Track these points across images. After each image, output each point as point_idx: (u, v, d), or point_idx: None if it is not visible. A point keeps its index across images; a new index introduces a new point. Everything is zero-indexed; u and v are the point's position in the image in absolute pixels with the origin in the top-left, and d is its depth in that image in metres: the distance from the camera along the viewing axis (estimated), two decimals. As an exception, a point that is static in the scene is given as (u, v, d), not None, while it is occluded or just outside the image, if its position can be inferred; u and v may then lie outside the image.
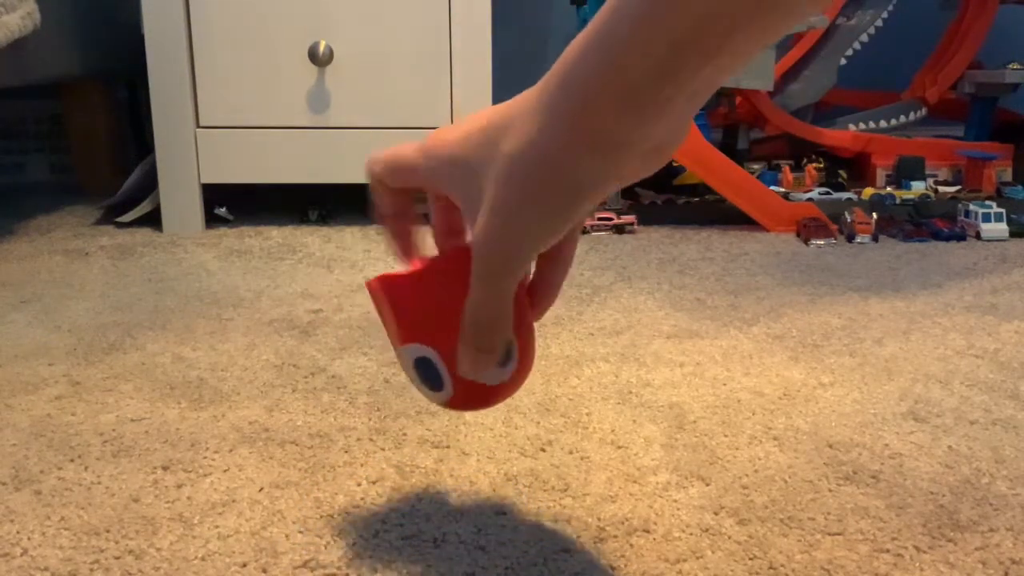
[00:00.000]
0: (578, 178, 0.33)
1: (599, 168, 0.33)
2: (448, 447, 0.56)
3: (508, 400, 0.63)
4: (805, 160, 1.49)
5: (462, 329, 0.38)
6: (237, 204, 1.32)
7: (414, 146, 0.40)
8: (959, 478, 0.52)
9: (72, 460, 0.54)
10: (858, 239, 1.19)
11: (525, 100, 0.34)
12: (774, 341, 0.77)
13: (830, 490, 0.51)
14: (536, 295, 0.42)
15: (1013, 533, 0.46)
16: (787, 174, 1.41)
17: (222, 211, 1.28)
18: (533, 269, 0.42)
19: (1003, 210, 1.22)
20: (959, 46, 1.54)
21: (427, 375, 0.41)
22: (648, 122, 0.32)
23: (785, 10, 0.29)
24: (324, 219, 1.31)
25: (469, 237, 0.37)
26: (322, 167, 1.24)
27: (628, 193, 1.36)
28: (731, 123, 1.59)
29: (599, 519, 0.48)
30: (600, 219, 1.24)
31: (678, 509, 0.49)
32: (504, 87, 1.85)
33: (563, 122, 0.32)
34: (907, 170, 1.41)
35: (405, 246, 0.45)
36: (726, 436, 0.58)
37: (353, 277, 0.99)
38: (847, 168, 1.50)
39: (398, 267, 0.43)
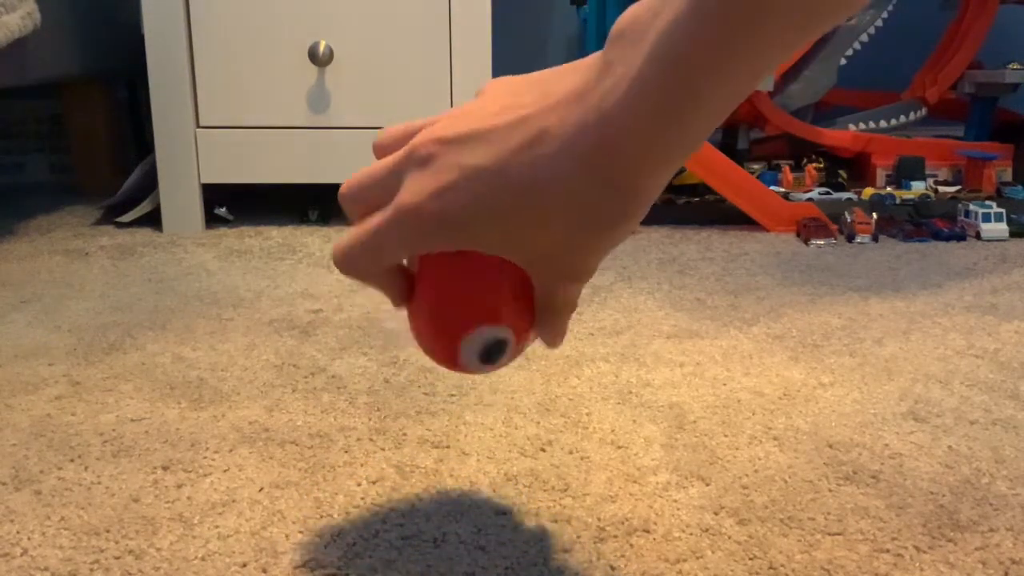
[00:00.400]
0: (636, 168, 0.31)
1: (654, 180, 0.32)
2: (448, 447, 0.56)
3: (508, 401, 0.63)
4: (805, 160, 1.49)
5: (350, 237, 0.37)
6: (237, 204, 1.32)
7: (396, 164, 0.37)
8: (959, 478, 0.52)
9: (72, 460, 0.54)
10: (858, 239, 1.19)
11: (573, 67, 0.32)
12: (774, 341, 0.77)
13: (830, 490, 0.51)
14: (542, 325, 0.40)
15: (1013, 533, 0.46)
16: (787, 174, 1.41)
17: (222, 211, 1.28)
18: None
19: (1003, 210, 1.22)
20: (959, 46, 1.54)
21: (494, 354, 0.39)
22: (701, 122, 0.30)
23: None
24: (324, 219, 1.31)
25: None
26: (322, 167, 1.24)
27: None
28: (731, 123, 1.59)
29: (599, 519, 0.48)
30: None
31: (678, 509, 0.49)
32: (504, 87, 1.85)
33: (624, 103, 0.30)
34: (907, 170, 1.41)
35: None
36: (726, 436, 0.58)
37: (353, 277, 0.99)
38: (847, 168, 1.50)
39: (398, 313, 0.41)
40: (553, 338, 0.39)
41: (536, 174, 0.31)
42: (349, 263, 0.37)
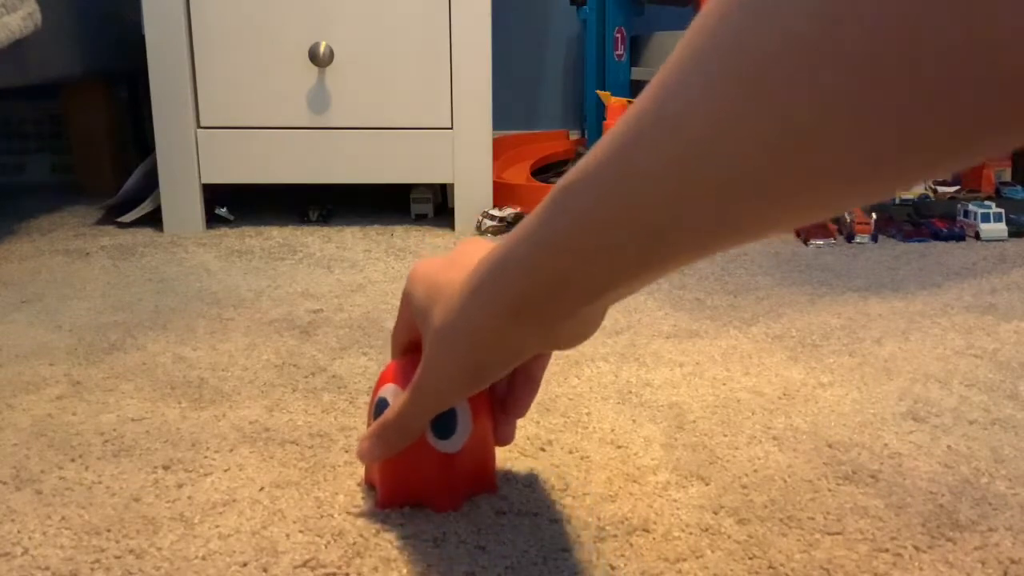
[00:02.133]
0: (480, 361, 0.41)
1: (499, 357, 0.41)
2: (448, 447, 0.56)
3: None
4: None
5: (380, 420, 0.47)
6: (237, 204, 1.32)
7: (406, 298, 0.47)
8: (958, 478, 0.52)
9: (73, 460, 0.54)
10: (857, 239, 1.19)
11: (465, 277, 0.40)
12: (773, 341, 0.77)
13: (829, 490, 0.51)
14: (507, 408, 0.49)
15: (1012, 533, 0.46)
16: (787, 174, 1.41)
17: (223, 211, 1.28)
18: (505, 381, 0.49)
19: (1002, 210, 1.22)
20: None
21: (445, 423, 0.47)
22: (539, 332, 0.39)
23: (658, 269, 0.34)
24: (324, 219, 1.31)
25: None
26: (322, 167, 1.24)
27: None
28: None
29: (599, 518, 0.48)
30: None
31: (678, 509, 0.49)
32: (504, 87, 1.86)
33: (472, 316, 0.39)
34: (907, 170, 1.41)
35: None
36: (726, 436, 0.58)
37: (353, 277, 0.99)
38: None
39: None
40: (527, 405, 0.50)
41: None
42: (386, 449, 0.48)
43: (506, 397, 0.49)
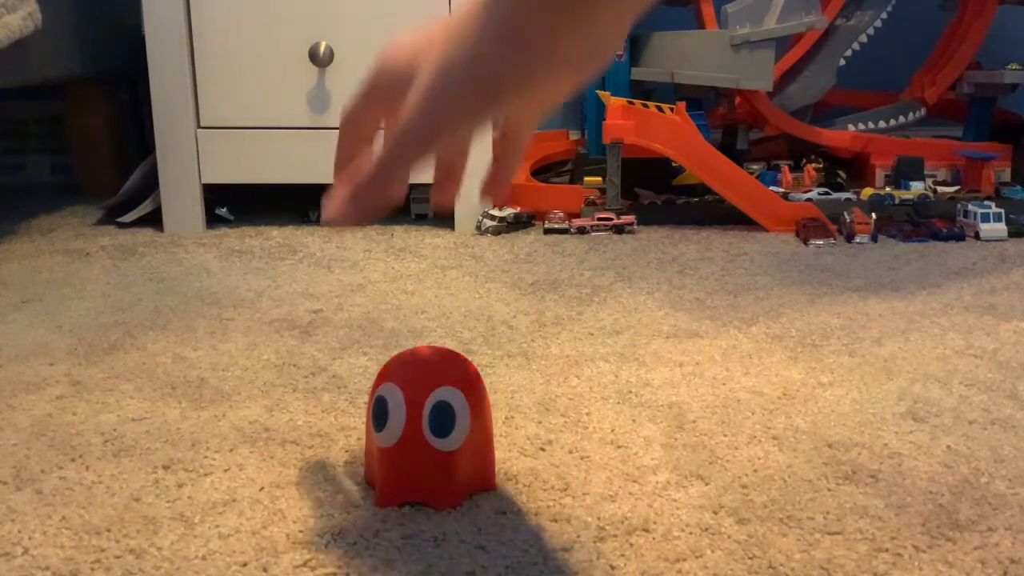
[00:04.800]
0: (501, 70, 0.36)
1: (522, 64, 0.36)
2: (448, 447, 0.56)
3: (509, 399, 0.63)
4: (804, 160, 1.49)
5: (358, 172, 0.42)
6: (238, 204, 1.32)
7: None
8: (958, 478, 0.52)
9: (73, 460, 0.54)
10: (857, 239, 1.19)
11: (465, 7, 0.38)
12: (773, 341, 0.77)
13: (829, 489, 0.51)
14: (495, 174, 0.46)
15: (1012, 532, 0.46)
16: (786, 174, 1.41)
17: (223, 211, 1.28)
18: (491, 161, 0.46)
19: (1002, 210, 1.22)
20: (958, 46, 1.54)
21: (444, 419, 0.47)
22: (574, 26, 0.35)
23: None
24: (324, 219, 1.31)
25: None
26: (322, 167, 1.24)
27: (628, 193, 1.36)
28: (730, 123, 1.59)
29: (599, 518, 0.48)
30: (600, 219, 1.24)
31: (678, 508, 0.49)
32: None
33: (490, 17, 0.36)
34: (906, 170, 1.41)
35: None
36: (725, 436, 0.58)
37: (353, 277, 0.99)
38: (846, 168, 1.50)
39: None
40: (509, 178, 0.46)
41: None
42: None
43: (493, 158, 0.46)
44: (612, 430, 0.59)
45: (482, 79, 0.37)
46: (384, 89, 0.43)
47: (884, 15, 1.52)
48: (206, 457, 0.55)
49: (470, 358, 0.72)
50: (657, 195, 1.38)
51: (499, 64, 0.36)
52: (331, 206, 0.43)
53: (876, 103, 1.60)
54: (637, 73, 1.59)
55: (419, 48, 0.40)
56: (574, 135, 1.80)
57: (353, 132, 0.45)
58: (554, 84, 0.38)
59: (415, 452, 0.47)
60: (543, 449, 0.56)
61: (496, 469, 0.52)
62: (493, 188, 0.46)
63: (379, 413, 0.47)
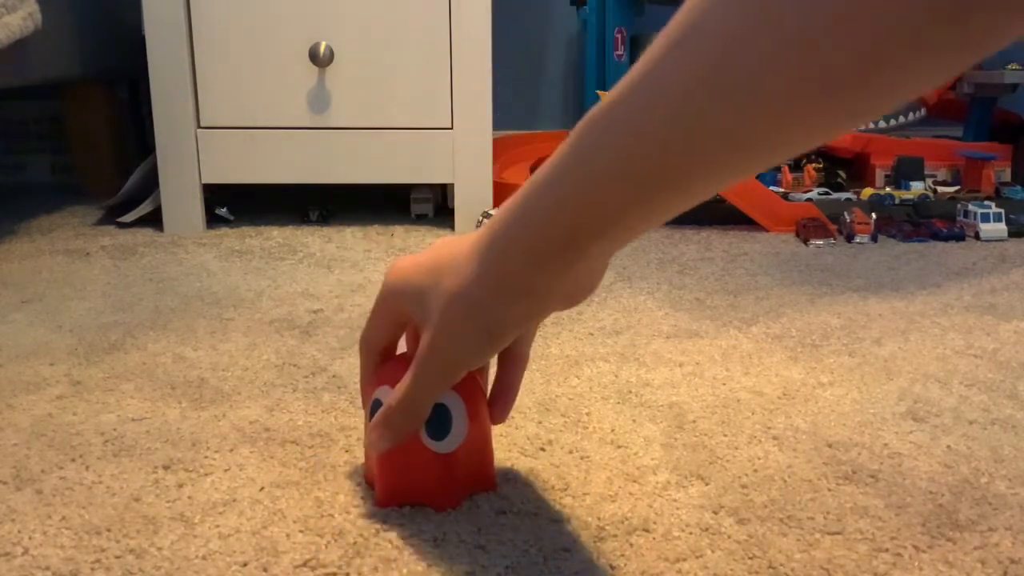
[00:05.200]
0: (500, 318, 0.41)
1: (519, 311, 0.41)
2: (448, 447, 0.56)
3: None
4: (804, 160, 1.49)
5: (384, 407, 0.46)
6: (238, 204, 1.32)
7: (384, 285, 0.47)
8: (958, 478, 0.52)
9: (73, 460, 0.54)
10: (857, 239, 1.19)
11: (468, 244, 0.42)
12: (773, 341, 0.77)
13: (829, 489, 0.51)
14: (496, 395, 0.50)
15: (1012, 532, 0.46)
16: (786, 174, 1.41)
17: (223, 211, 1.28)
18: (493, 370, 0.50)
19: (1002, 210, 1.22)
20: (959, 46, 1.54)
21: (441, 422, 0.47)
22: (558, 277, 0.39)
23: (663, 209, 0.36)
24: (324, 219, 1.31)
25: None
26: (322, 167, 1.24)
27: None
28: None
29: (599, 518, 0.48)
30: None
31: (678, 508, 0.49)
32: (504, 87, 1.86)
33: (488, 272, 0.40)
34: (906, 170, 1.41)
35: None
36: (725, 436, 0.58)
37: (353, 277, 0.99)
38: (846, 168, 1.50)
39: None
40: (518, 382, 0.51)
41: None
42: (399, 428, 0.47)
43: (496, 380, 0.50)
44: (612, 430, 0.59)
45: (488, 316, 0.41)
46: (393, 310, 0.47)
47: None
48: (206, 457, 0.55)
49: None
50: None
51: (502, 300, 0.41)
52: (369, 435, 0.48)
53: (876, 103, 1.60)
54: (637, 73, 1.59)
55: (423, 280, 0.44)
56: (574, 135, 1.79)
57: (372, 349, 0.49)
58: (548, 313, 0.43)
59: (413, 454, 0.47)
60: (543, 449, 0.56)
61: (496, 469, 0.52)
62: (499, 409, 0.50)
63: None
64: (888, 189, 1.39)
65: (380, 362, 0.49)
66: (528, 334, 0.49)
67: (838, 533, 0.46)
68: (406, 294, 0.45)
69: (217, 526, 0.47)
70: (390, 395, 0.46)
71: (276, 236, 1.20)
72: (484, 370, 0.52)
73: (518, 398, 0.64)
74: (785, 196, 1.33)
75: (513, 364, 0.50)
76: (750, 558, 0.44)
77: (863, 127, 1.54)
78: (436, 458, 0.47)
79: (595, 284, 0.43)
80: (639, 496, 0.50)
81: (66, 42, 1.30)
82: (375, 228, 1.26)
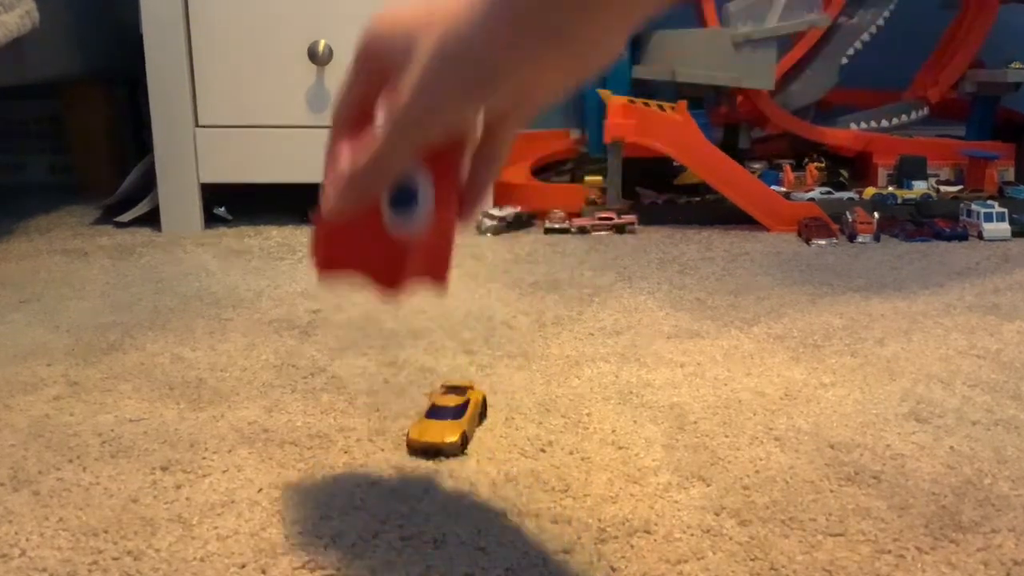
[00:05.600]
0: (497, 57, 0.35)
1: (520, 55, 0.35)
2: (448, 447, 0.56)
3: (509, 400, 0.63)
4: (806, 159, 1.48)
5: (350, 165, 0.40)
6: (236, 204, 1.32)
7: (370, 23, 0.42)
8: (961, 479, 0.52)
9: (71, 461, 0.54)
10: (859, 239, 1.18)
11: None
12: (775, 341, 0.77)
13: (831, 491, 0.51)
14: (467, 192, 0.44)
15: (1015, 534, 0.46)
16: (788, 173, 1.41)
17: (221, 211, 1.28)
18: (467, 168, 0.44)
19: (1005, 210, 1.22)
20: (960, 45, 1.54)
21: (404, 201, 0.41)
22: (575, 20, 0.33)
23: None
24: (324, 219, 1.31)
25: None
26: (322, 167, 1.23)
27: (628, 193, 1.36)
28: (732, 122, 1.59)
29: (600, 520, 0.47)
30: (600, 219, 1.24)
31: (679, 510, 0.48)
32: (504, 86, 1.84)
33: (495, 5, 0.34)
34: (909, 169, 1.41)
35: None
36: (727, 436, 0.58)
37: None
38: (848, 167, 1.50)
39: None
40: (486, 188, 0.44)
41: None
42: (362, 183, 0.41)
43: (468, 177, 0.45)
44: (613, 431, 0.59)
45: (484, 57, 0.35)
46: (375, 68, 0.41)
47: (886, 14, 1.52)
48: (204, 458, 0.54)
49: (470, 358, 0.72)
50: (658, 194, 1.38)
51: (503, 41, 0.35)
52: (325, 199, 0.41)
53: (879, 102, 1.60)
54: (638, 71, 1.59)
55: (412, 25, 0.38)
56: (574, 134, 1.79)
57: (345, 118, 0.43)
58: (553, 72, 0.37)
59: (366, 225, 0.41)
60: (543, 450, 0.56)
61: (496, 470, 0.52)
62: (467, 206, 0.45)
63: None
64: (891, 188, 1.38)
65: (352, 134, 0.42)
66: (506, 132, 0.44)
67: (840, 534, 0.46)
68: (393, 37, 0.39)
69: (215, 527, 0.46)
70: (356, 151, 0.40)
71: (275, 236, 1.20)
72: (460, 163, 0.44)
73: (519, 400, 0.64)
74: (787, 195, 1.32)
75: (486, 163, 0.44)
76: (752, 560, 0.44)
77: (865, 126, 1.54)
78: (390, 236, 0.41)
79: (613, 46, 0.36)
80: (640, 497, 0.50)
81: (64, 41, 1.29)
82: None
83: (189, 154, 1.21)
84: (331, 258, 0.43)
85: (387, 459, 0.54)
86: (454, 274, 1.03)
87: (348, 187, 0.40)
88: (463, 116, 0.39)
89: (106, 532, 0.46)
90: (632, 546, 0.45)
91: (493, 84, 0.36)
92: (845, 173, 1.46)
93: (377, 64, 0.40)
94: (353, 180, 0.40)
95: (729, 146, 1.55)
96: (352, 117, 0.42)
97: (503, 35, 0.35)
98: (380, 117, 0.39)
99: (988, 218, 1.21)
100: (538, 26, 0.34)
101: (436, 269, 0.44)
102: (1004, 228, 1.20)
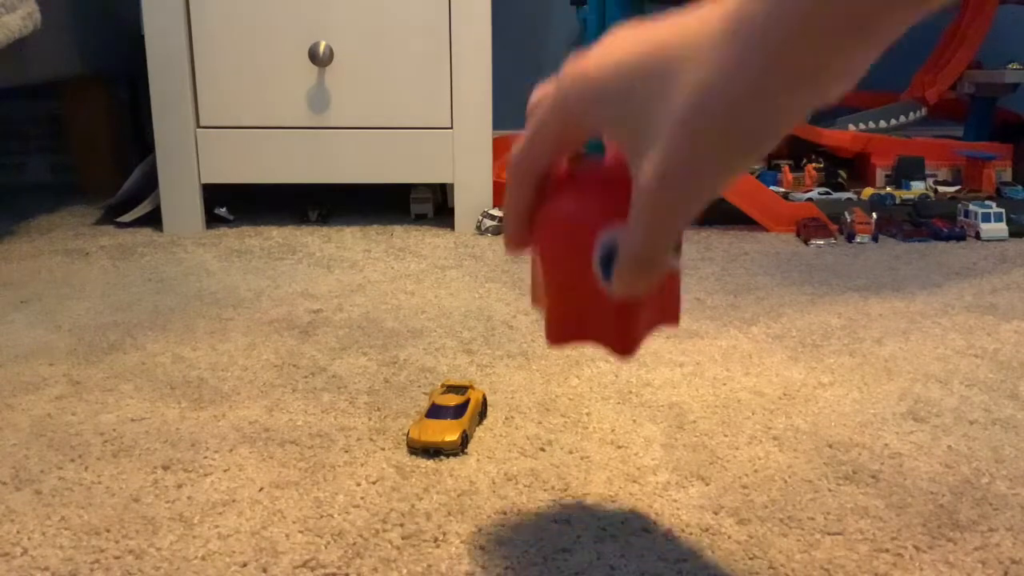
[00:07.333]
0: (773, 112, 0.30)
1: (797, 105, 0.30)
2: (448, 447, 0.56)
3: (509, 399, 0.63)
4: (805, 160, 1.48)
5: (618, 262, 0.35)
6: (237, 204, 1.32)
7: (549, 100, 0.35)
8: (959, 478, 0.52)
9: (72, 460, 0.54)
10: (858, 239, 1.19)
11: (704, 26, 0.30)
12: (774, 341, 0.77)
13: (830, 490, 0.51)
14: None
15: (1012, 533, 0.46)
16: (787, 174, 1.41)
17: (222, 211, 1.28)
18: None
19: (1003, 210, 1.22)
20: (958, 46, 1.54)
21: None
22: (848, 57, 0.29)
23: None
24: (324, 219, 1.31)
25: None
26: (322, 167, 1.24)
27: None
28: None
29: (599, 519, 0.48)
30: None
31: (678, 509, 0.49)
32: (504, 87, 1.86)
33: (767, 55, 0.29)
34: (907, 170, 1.41)
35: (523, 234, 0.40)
36: (726, 436, 0.58)
37: (353, 277, 0.99)
38: (847, 168, 1.50)
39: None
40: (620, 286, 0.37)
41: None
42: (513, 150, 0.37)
43: None
44: (612, 430, 0.59)
45: (752, 124, 0.30)
46: (571, 125, 0.35)
47: (884, 14, 1.51)
48: (205, 457, 0.55)
49: (470, 358, 0.72)
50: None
51: (773, 101, 0.30)
52: (619, 282, 0.36)
53: (877, 103, 1.60)
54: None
55: (628, 78, 0.32)
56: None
57: (532, 172, 0.38)
58: (820, 102, 0.32)
59: (587, 295, 0.38)
60: (543, 449, 0.56)
61: (496, 469, 0.52)
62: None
63: (611, 265, 0.37)
64: (889, 189, 1.39)
65: (540, 188, 0.38)
66: None
67: (839, 533, 0.46)
68: (602, 102, 0.33)
69: (216, 526, 0.47)
70: (618, 247, 0.35)
71: (275, 236, 1.20)
72: None
73: (518, 399, 0.64)
74: (786, 196, 1.33)
75: None
76: (750, 559, 0.44)
77: (863, 127, 1.54)
78: (619, 300, 0.37)
79: (851, 84, 0.31)
80: (639, 496, 0.50)
81: (65, 42, 1.30)
82: (374, 228, 1.26)
83: (190, 154, 1.22)
84: (566, 334, 0.40)
85: (387, 458, 0.54)
86: (454, 274, 1.04)
87: (631, 281, 0.35)
88: (733, 180, 0.33)
89: (108, 531, 0.46)
90: (631, 545, 0.45)
91: (770, 138, 0.31)
92: (843, 174, 1.47)
93: (578, 120, 0.35)
94: (632, 274, 0.35)
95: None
96: (538, 174, 0.38)
97: (774, 84, 0.29)
98: (631, 207, 0.33)
99: (986, 218, 1.21)
100: (811, 69, 0.29)
101: (669, 313, 0.41)
102: (1001, 228, 1.21)
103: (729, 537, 0.46)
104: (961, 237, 1.20)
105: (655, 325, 0.40)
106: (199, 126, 1.22)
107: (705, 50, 0.30)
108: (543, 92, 0.37)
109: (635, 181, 0.33)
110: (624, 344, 0.39)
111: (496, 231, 1.22)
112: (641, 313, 0.39)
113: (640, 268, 0.35)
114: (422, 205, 1.35)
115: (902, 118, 1.57)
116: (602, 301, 0.37)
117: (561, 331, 0.40)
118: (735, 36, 0.29)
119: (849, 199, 1.34)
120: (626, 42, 0.33)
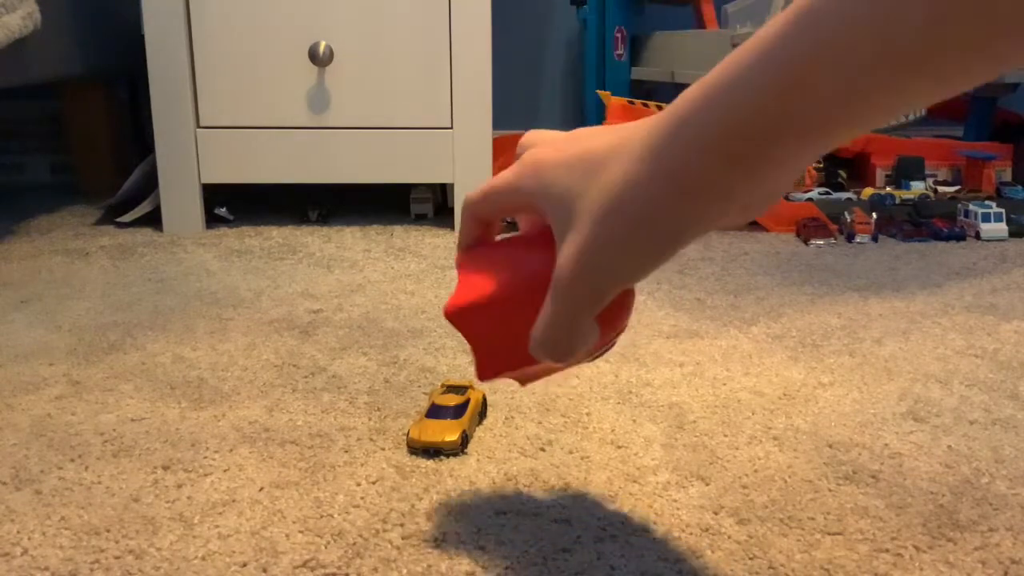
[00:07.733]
0: (675, 226, 0.33)
1: (698, 218, 0.33)
2: (448, 447, 0.56)
3: (509, 399, 0.63)
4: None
5: (531, 342, 0.38)
6: (237, 204, 1.32)
7: (512, 169, 0.40)
8: (959, 478, 0.52)
9: (72, 460, 0.54)
10: (858, 239, 1.19)
11: (631, 136, 0.34)
12: (774, 341, 0.77)
13: (830, 490, 0.51)
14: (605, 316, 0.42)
15: (1012, 533, 0.46)
16: (787, 174, 1.41)
17: (222, 211, 1.28)
18: None
19: (1002, 210, 1.22)
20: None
21: None
22: (754, 180, 0.32)
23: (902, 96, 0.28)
24: (324, 219, 1.31)
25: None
26: (322, 167, 1.24)
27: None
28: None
29: (599, 519, 0.48)
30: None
31: (678, 509, 0.49)
32: (504, 87, 1.86)
33: (668, 170, 0.32)
34: (906, 170, 1.41)
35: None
36: (726, 436, 0.58)
37: (353, 277, 0.99)
38: (846, 168, 1.50)
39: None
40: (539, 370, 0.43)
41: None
42: (469, 195, 0.42)
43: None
44: (612, 430, 0.59)
45: (660, 231, 0.33)
46: (520, 203, 0.40)
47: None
48: (205, 457, 0.55)
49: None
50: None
51: (680, 212, 0.33)
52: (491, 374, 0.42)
53: (876, 103, 1.60)
54: (637, 73, 1.59)
55: (568, 176, 0.36)
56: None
57: (480, 220, 0.43)
58: (723, 222, 0.35)
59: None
60: (543, 449, 0.56)
61: (496, 469, 0.52)
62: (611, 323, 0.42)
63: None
64: (889, 189, 1.39)
65: (481, 235, 0.43)
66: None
67: (839, 533, 0.46)
68: (547, 196, 0.37)
69: (216, 526, 0.47)
70: (533, 328, 0.38)
71: (275, 236, 1.20)
72: None
73: (518, 399, 0.64)
74: (785, 196, 1.33)
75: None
76: (750, 558, 0.44)
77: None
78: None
79: (781, 193, 0.35)
80: (639, 496, 0.50)
81: (65, 42, 1.30)
82: (374, 228, 1.26)
83: (190, 154, 1.22)
84: (497, 369, 0.42)
85: (387, 458, 0.54)
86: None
87: (544, 360, 0.39)
88: (643, 276, 0.36)
89: (108, 531, 0.46)
90: (631, 545, 0.45)
91: (677, 244, 0.34)
92: (843, 173, 1.47)
93: (526, 202, 0.39)
94: (543, 358, 0.39)
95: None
96: (485, 222, 0.43)
97: (682, 197, 0.33)
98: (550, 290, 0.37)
99: (986, 218, 1.21)
100: (711, 194, 0.32)
101: (617, 323, 0.42)
102: (1001, 228, 1.21)
103: (729, 537, 0.46)
104: (961, 237, 1.20)
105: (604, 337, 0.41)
106: (199, 126, 1.22)
107: (624, 157, 0.34)
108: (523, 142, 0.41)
109: (556, 269, 0.36)
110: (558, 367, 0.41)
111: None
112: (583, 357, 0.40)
113: (549, 350, 0.38)
114: (422, 205, 1.35)
115: (902, 118, 1.57)
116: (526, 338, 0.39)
117: (492, 367, 0.42)
118: (649, 149, 0.33)
119: (849, 199, 1.34)
120: (579, 141, 0.37)
